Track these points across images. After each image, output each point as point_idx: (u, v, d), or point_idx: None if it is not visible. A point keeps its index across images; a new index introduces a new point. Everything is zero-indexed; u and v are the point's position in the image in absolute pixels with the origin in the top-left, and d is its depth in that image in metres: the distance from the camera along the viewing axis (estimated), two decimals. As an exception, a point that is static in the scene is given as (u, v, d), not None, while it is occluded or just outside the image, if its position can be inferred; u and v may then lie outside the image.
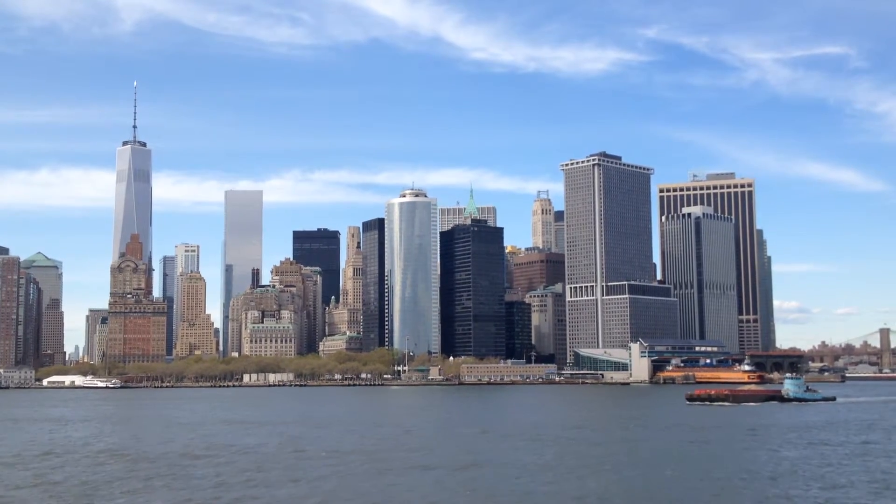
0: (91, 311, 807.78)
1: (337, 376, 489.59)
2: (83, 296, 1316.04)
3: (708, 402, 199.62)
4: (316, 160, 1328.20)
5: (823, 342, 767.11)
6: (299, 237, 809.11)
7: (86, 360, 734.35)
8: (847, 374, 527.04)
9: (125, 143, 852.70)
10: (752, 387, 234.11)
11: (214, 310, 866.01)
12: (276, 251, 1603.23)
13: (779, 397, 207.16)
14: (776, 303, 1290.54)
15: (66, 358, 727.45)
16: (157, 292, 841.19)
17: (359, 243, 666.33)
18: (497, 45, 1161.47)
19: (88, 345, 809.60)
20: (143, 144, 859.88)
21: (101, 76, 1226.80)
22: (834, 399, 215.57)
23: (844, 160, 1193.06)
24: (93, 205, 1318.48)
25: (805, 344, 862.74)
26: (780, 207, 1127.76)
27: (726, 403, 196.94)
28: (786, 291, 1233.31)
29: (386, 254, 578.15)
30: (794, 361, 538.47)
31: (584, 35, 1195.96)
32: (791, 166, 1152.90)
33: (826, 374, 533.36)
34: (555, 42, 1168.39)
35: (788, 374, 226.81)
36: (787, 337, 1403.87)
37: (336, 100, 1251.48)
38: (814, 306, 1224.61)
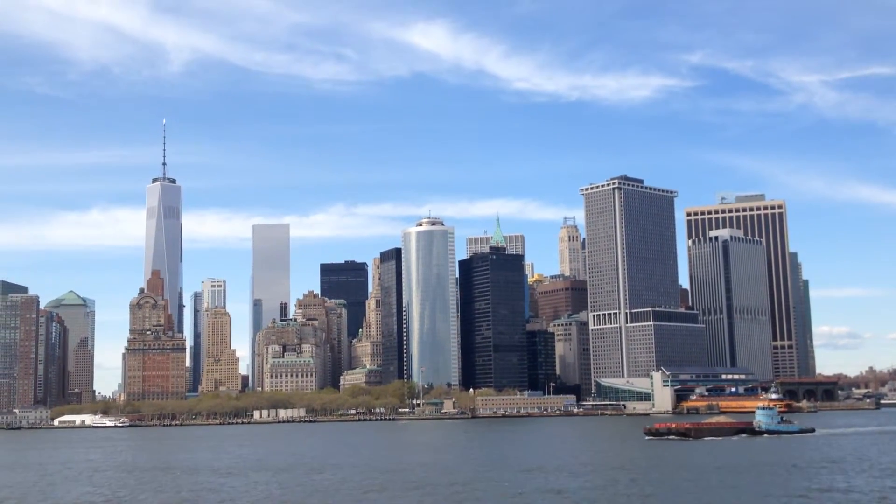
0: (126, 349, 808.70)
1: (351, 411, 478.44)
2: (120, 334, 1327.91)
3: (667, 437, 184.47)
4: (361, 194, 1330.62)
5: (871, 367, 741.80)
6: (326, 270, 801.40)
7: (122, 398, 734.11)
8: (884, 401, 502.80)
9: (155, 181, 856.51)
10: (721, 418, 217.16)
11: (245, 345, 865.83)
12: (307, 285, 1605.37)
13: (750, 430, 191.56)
14: (825, 328, 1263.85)
15: (95, 396, 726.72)
16: (187, 328, 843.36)
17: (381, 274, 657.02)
18: (540, 76, 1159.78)
19: (124, 383, 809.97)
20: (173, 181, 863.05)
21: (150, 117, 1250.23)
22: (812, 431, 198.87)
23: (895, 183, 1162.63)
24: (135, 243, 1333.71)
25: (853, 370, 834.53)
26: (827, 232, 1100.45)
27: (688, 438, 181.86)
28: (835, 316, 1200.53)
29: (403, 284, 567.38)
30: (828, 388, 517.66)
31: (627, 63, 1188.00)
32: (840, 189, 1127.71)
33: (866, 400, 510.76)
34: (597, 70, 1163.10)
35: (760, 405, 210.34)
36: (835, 363, 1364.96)
37: (380, 134, 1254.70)
38: (865, 331, 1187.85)
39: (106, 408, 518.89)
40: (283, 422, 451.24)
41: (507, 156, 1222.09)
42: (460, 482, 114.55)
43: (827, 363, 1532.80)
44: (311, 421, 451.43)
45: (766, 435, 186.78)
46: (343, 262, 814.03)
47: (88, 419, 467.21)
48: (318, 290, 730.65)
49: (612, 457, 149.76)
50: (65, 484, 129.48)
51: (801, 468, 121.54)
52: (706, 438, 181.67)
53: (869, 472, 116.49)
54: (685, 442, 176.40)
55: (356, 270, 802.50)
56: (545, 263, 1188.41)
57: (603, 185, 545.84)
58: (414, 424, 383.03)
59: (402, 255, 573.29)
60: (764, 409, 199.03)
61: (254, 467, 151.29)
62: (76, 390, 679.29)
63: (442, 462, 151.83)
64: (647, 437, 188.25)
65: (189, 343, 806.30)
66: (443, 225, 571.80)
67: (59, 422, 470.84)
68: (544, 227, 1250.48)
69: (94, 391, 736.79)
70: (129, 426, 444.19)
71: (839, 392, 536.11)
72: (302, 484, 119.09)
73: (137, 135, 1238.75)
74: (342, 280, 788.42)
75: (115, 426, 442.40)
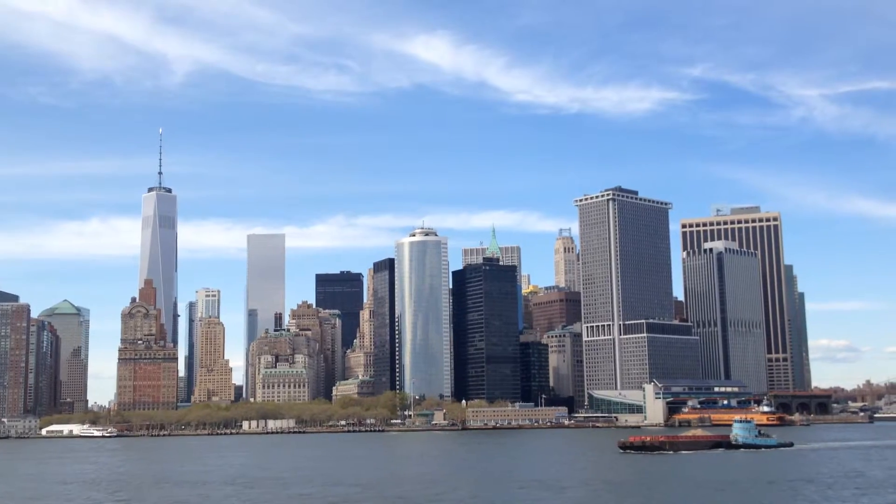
0: (118, 358, 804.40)
1: (341, 422, 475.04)
2: (116, 343, 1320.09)
3: (642, 451, 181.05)
4: (361, 205, 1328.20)
5: (868, 381, 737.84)
6: (322, 280, 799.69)
7: (116, 408, 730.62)
8: (878, 415, 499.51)
9: (150, 190, 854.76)
10: (698, 432, 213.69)
11: (240, 355, 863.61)
12: (303, 295, 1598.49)
13: (726, 443, 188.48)
14: (823, 341, 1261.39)
15: (88, 406, 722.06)
16: (182, 338, 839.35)
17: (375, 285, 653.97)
18: (541, 88, 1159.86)
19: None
20: (169, 190, 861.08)
21: (152, 127, 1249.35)
22: (791, 445, 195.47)
23: (895, 196, 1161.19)
24: (132, 252, 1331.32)
25: (851, 383, 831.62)
26: (827, 245, 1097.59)
27: (664, 451, 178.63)
28: (834, 330, 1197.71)
29: (396, 295, 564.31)
30: (822, 401, 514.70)
31: (629, 75, 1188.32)
32: (840, 203, 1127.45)
33: (860, 414, 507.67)
34: (598, 83, 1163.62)
35: (737, 418, 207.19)
36: (833, 376, 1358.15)
37: (381, 145, 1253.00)
38: (863, 345, 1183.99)
39: (95, 417, 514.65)
40: (272, 433, 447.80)
41: (508, 168, 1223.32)
42: (431, 495, 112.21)
43: (825, 376, 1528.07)
44: (300, 432, 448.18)
45: (742, 449, 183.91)
46: (338, 272, 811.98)
47: (76, 429, 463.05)
48: (313, 301, 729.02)
49: (578, 471, 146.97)
50: (22, 499, 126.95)
51: (770, 483, 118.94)
52: (682, 452, 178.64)
53: (837, 488, 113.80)
54: (658, 456, 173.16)
55: (351, 281, 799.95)
56: (542, 275, 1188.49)
57: (597, 197, 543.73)
58: (403, 436, 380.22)
59: (395, 266, 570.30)
60: (741, 422, 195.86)
61: (224, 480, 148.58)
62: (68, 399, 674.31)
63: (418, 475, 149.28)
64: (620, 452, 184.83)
65: (184, 353, 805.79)
66: (436, 235, 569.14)
67: (47, 431, 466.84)
68: (543, 238, 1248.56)
69: (86, 400, 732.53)
70: (117, 436, 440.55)
71: (834, 405, 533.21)
72: (267, 500, 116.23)
73: (139, 145, 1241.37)
74: (337, 290, 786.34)
75: (103, 436, 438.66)
